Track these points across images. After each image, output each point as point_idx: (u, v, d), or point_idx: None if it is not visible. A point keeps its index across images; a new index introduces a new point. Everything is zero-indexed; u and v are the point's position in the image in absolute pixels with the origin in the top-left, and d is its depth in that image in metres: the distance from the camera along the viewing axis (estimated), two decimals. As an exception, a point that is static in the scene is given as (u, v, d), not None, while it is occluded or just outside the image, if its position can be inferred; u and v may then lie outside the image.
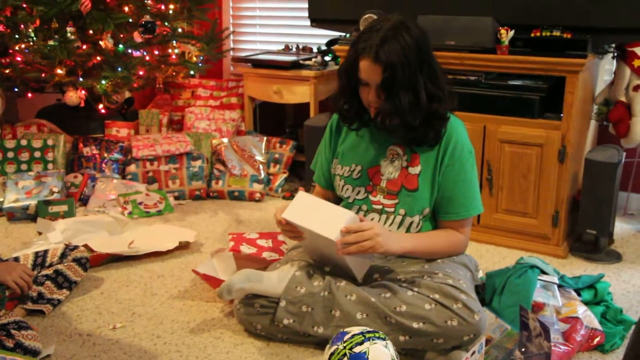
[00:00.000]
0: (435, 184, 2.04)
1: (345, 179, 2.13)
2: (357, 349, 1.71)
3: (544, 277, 2.16)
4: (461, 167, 2.03)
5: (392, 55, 1.85)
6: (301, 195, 1.98)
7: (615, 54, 2.81)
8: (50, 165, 3.41)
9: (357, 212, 2.11)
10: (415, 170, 2.05)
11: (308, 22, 3.39)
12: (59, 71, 3.36)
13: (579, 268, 2.63)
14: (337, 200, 2.19)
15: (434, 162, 2.04)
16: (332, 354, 1.74)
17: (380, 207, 2.08)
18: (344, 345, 1.73)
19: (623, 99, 2.80)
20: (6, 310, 2.11)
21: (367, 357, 1.70)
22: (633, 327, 1.03)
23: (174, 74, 3.88)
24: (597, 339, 2.01)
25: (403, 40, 1.87)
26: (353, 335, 1.75)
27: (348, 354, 1.71)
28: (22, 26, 3.31)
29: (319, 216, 1.91)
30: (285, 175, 3.60)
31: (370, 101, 1.96)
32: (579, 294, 2.16)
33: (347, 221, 1.87)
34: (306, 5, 3.32)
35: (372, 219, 2.08)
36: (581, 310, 2.05)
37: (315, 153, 2.32)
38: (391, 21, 1.91)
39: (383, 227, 1.99)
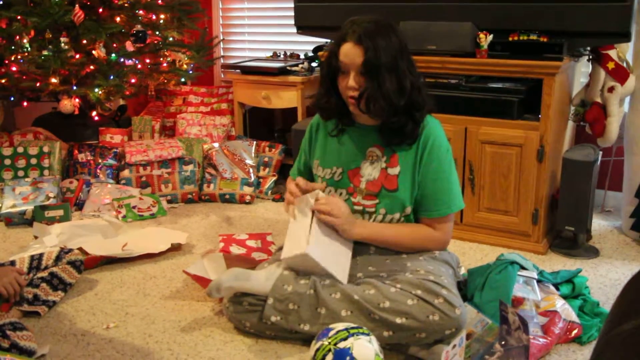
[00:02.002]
0: (415, 183, 2.06)
1: (327, 181, 2.16)
2: (341, 345, 1.74)
3: (524, 273, 2.19)
4: (439, 164, 2.05)
5: (375, 39, 1.89)
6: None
7: (591, 57, 2.84)
8: (46, 172, 3.43)
9: None
10: (394, 170, 2.07)
11: (295, 30, 3.42)
12: (53, 80, 3.38)
13: (559, 263, 2.66)
14: None
15: (412, 161, 2.06)
16: (317, 350, 1.77)
17: (361, 207, 2.11)
18: (329, 341, 1.76)
19: (598, 100, 2.83)
20: (2, 312, 2.14)
21: (352, 353, 1.73)
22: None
23: (166, 81, 3.90)
24: (575, 331, 2.04)
25: (385, 33, 1.92)
26: (337, 332, 1.78)
27: (333, 350, 1.74)
28: (17, 37, 3.33)
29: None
30: (274, 178, 3.62)
31: (349, 87, 1.96)
32: (557, 289, 2.20)
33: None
34: (293, 14, 3.35)
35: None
36: (559, 304, 2.08)
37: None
38: (374, 18, 1.96)
39: (349, 215, 2.06)
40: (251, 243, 2.78)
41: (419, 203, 2.09)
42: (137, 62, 3.63)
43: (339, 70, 1.98)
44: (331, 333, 1.79)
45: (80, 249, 2.59)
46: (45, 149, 3.45)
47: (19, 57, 3.36)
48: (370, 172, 2.10)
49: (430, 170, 2.05)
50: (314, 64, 3.74)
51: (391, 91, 1.92)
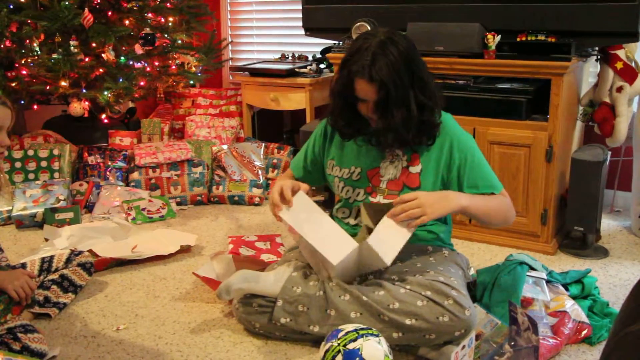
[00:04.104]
0: (437, 180, 2.07)
1: (344, 181, 2.16)
2: (350, 346, 1.74)
3: (533, 273, 2.19)
4: (472, 154, 2.07)
5: (384, 72, 1.89)
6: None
7: (599, 57, 2.84)
8: (56, 174, 3.45)
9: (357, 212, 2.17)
10: (416, 169, 2.08)
11: (303, 32, 3.43)
12: (63, 83, 3.41)
13: (568, 264, 2.66)
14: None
15: (436, 159, 2.07)
16: (326, 351, 1.78)
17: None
18: (338, 342, 1.76)
19: (607, 99, 2.83)
20: (13, 315, 2.15)
21: (361, 354, 1.73)
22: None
23: (175, 84, 3.92)
24: (585, 331, 2.05)
25: (392, 55, 1.91)
26: (347, 333, 1.79)
27: (342, 351, 1.74)
28: (27, 41, 3.37)
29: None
30: (283, 180, 3.64)
31: (371, 116, 2.01)
32: (567, 289, 2.20)
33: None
34: (300, 16, 3.37)
35: None
36: (569, 305, 2.08)
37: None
38: (377, 37, 1.94)
39: (428, 194, 1.98)
40: (260, 245, 2.79)
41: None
42: (146, 64, 3.65)
43: (357, 99, 2.01)
44: (340, 334, 1.79)
45: (90, 251, 2.60)
46: (55, 152, 3.48)
47: (29, 60, 3.40)
48: (391, 171, 2.11)
49: (467, 164, 2.06)
50: (322, 66, 3.76)
51: (400, 125, 1.96)
